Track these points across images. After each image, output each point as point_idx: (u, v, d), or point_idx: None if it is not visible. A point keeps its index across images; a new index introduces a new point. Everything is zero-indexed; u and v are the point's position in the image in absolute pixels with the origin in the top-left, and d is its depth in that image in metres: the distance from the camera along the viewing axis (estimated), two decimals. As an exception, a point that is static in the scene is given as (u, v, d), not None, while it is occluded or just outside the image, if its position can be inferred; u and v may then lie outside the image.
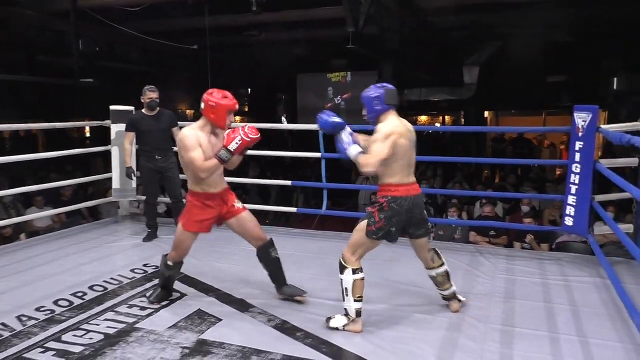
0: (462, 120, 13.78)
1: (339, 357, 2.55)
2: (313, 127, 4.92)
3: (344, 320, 2.80)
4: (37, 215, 5.91)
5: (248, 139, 2.86)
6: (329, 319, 2.85)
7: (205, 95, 2.97)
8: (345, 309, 2.80)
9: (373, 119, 2.81)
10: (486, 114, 13.83)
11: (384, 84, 2.85)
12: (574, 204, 3.93)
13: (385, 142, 2.68)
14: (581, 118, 3.81)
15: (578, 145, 3.86)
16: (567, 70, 11.08)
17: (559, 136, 11.38)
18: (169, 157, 4.57)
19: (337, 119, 2.90)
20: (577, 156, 3.86)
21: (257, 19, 8.07)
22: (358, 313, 2.78)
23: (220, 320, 2.96)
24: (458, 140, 12.78)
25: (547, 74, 11.53)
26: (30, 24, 7.83)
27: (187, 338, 2.74)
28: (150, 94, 4.50)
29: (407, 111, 14.22)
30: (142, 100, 4.55)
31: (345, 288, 2.77)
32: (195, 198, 3.03)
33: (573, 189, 3.92)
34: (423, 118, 15.11)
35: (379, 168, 2.71)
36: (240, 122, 14.74)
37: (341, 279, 2.79)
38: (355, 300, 2.76)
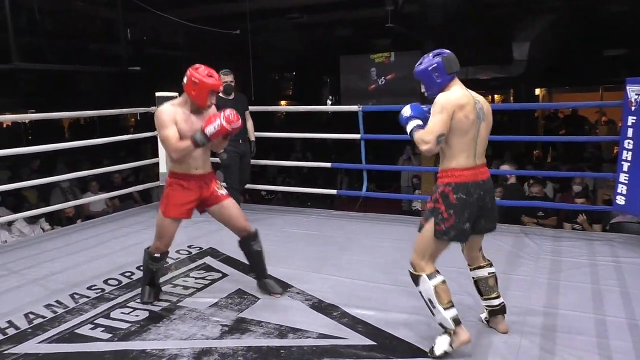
0: (512, 98, 13.32)
1: (375, 337, 2.56)
2: (353, 108, 4.91)
3: (446, 338, 2.32)
4: (90, 200, 6.17)
5: (229, 128, 2.66)
6: (432, 349, 2.35)
7: (190, 70, 2.76)
8: (440, 324, 2.33)
9: (436, 95, 2.37)
10: (537, 91, 13.30)
11: (440, 51, 2.40)
12: (626, 182, 3.74)
13: (440, 115, 2.26)
14: (634, 91, 3.61)
15: (631, 120, 3.66)
16: (626, 42, 10.46)
17: (620, 112, 10.84)
18: (246, 141, 4.67)
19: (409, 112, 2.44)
20: (630, 132, 3.67)
21: (298, 1, 8.04)
22: (456, 321, 2.30)
23: (259, 299, 3.03)
24: (507, 119, 12.37)
25: (604, 48, 10.93)
26: (81, 14, 8.12)
27: (226, 316, 2.82)
28: (225, 78, 4.42)
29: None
30: None
31: (429, 299, 2.32)
32: (174, 180, 2.85)
33: (625, 166, 3.74)
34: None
35: (437, 147, 2.28)
36: (286, 105, 14.87)
37: (420, 292, 2.36)
38: (445, 309, 2.29)
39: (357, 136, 4.86)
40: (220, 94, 4.44)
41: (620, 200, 3.84)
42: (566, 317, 2.69)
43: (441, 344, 2.32)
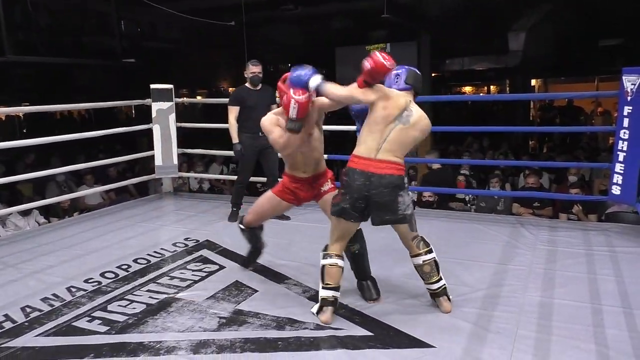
0: (508, 89, 13.30)
1: (372, 327, 2.56)
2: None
3: (316, 308, 2.65)
4: (86, 192, 6.15)
5: (302, 100, 2.63)
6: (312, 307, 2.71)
7: (279, 84, 2.81)
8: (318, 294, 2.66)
9: None
10: (533, 82, 13.29)
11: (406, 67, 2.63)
12: (621, 171, 3.75)
13: (363, 89, 2.48)
14: (630, 81, 3.60)
15: (627, 110, 3.66)
16: (622, 32, 10.46)
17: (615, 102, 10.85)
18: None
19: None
20: (626, 122, 3.67)
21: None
22: (324, 302, 2.59)
23: (256, 291, 3.03)
24: (502, 110, 12.39)
25: (600, 38, 10.92)
26: (75, 8, 8.06)
27: (224, 308, 2.81)
28: (253, 68, 4.30)
29: (448, 82, 13.86)
30: (245, 75, 4.37)
31: (320, 272, 2.63)
32: (286, 178, 3.03)
33: (621, 156, 3.74)
34: (467, 89, 14.68)
35: (339, 105, 2.62)
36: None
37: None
38: (323, 288, 2.59)
39: (354, 128, 4.85)
40: (248, 85, 4.38)
41: (615, 190, 3.85)
42: (562, 306, 2.71)
43: (314, 309, 2.66)
